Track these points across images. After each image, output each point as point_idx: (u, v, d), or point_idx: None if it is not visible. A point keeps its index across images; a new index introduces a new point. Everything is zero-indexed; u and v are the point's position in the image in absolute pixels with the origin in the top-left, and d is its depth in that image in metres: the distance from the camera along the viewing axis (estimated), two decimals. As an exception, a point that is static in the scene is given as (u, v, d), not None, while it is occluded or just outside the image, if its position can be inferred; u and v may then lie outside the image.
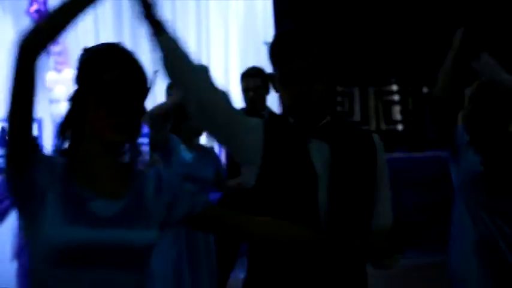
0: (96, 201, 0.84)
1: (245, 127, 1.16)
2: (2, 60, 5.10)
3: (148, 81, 0.88)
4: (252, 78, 3.12)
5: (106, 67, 0.84)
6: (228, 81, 4.92)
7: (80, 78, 0.87)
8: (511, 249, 1.87)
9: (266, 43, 4.98)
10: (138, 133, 0.89)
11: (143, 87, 0.86)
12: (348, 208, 1.09)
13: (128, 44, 4.77)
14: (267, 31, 5.20)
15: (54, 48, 4.88)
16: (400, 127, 5.95)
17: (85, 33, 5.30)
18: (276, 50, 1.18)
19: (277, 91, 1.22)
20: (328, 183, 1.10)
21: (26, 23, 5.38)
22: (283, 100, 1.21)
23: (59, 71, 4.96)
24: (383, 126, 5.81)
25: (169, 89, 2.83)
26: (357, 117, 5.72)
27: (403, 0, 5.57)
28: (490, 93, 1.88)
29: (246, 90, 3.11)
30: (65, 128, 0.88)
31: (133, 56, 0.87)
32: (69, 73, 5.02)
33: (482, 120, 1.87)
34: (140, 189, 0.89)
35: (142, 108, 0.89)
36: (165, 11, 5.85)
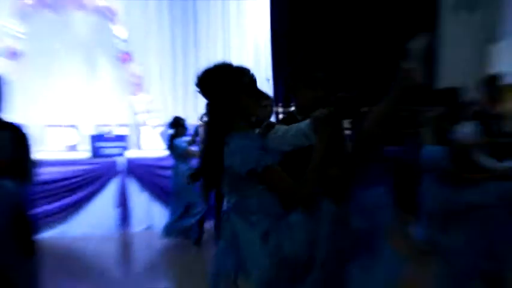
0: None
1: None
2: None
3: None
4: None
5: (244, 74, 1.73)
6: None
7: (229, 86, 1.69)
8: None
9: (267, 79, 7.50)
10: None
11: None
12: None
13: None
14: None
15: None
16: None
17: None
18: (301, 65, 1.96)
19: (294, 95, 2.04)
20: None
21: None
22: (298, 101, 2.05)
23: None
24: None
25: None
26: None
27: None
28: None
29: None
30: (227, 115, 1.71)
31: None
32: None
33: None
34: None
35: None
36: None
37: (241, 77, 1.77)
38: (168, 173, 6.11)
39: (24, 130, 2.83)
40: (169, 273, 5.50)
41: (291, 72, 2.13)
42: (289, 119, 2.13)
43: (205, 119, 4.40)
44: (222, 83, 1.72)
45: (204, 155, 1.80)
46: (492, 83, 3.64)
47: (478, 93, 3.71)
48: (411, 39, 1.88)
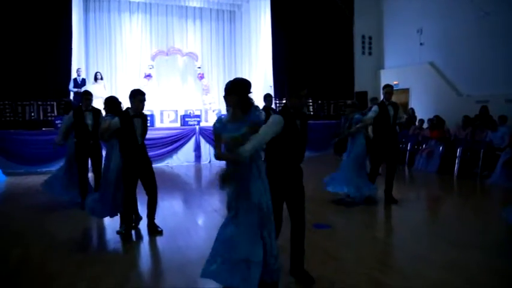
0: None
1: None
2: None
3: None
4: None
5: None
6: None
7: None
8: None
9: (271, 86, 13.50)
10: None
11: None
12: (305, 144, 3.42)
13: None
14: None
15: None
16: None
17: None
18: (296, 89, 3.29)
19: (287, 100, 3.31)
20: (301, 133, 3.37)
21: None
22: (291, 104, 3.29)
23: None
24: None
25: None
26: None
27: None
28: None
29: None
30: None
31: None
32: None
33: None
34: None
35: None
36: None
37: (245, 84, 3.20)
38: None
39: (146, 116, 5.22)
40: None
41: (287, 88, 3.38)
42: (284, 109, 3.39)
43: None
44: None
45: None
46: (386, 87, 6.68)
47: (381, 94, 7.65)
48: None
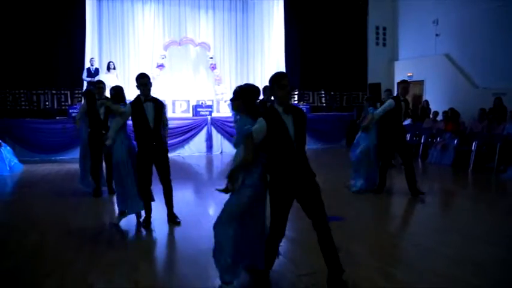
0: None
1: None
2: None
3: None
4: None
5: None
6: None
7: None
8: None
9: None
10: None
11: None
12: (301, 141, 3.06)
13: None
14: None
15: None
16: None
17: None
18: (277, 79, 3.06)
19: (272, 93, 3.09)
20: (293, 133, 3.03)
21: None
22: (276, 96, 3.08)
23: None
24: None
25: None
26: None
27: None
28: None
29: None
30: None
31: None
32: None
33: None
34: None
35: None
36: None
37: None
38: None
39: (162, 102, 5.11)
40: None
41: (270, 81, 3.17)
42: (266, 110, 3.27)
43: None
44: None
45: None
46: (403, 82, 6.60)
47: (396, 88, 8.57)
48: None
